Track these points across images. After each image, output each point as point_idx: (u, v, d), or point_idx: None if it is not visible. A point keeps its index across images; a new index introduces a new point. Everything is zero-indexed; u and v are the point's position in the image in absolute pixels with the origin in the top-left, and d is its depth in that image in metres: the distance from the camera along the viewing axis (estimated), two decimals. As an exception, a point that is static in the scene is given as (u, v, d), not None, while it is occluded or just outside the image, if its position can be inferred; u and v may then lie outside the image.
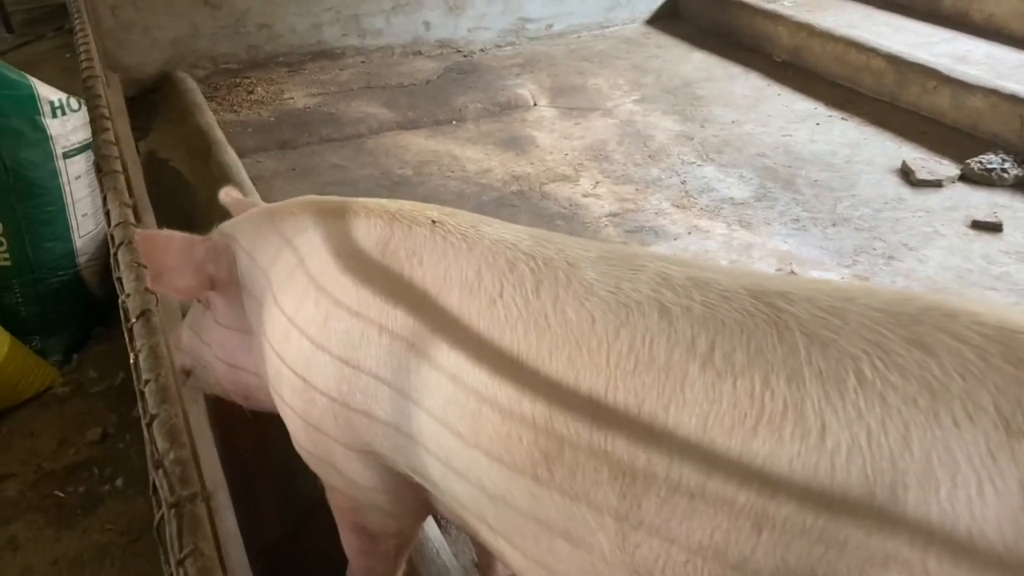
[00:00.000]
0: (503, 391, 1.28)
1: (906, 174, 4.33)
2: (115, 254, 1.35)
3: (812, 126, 4.99)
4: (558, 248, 1.40)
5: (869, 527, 1.05)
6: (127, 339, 1.18)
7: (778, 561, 1.10)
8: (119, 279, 1.30)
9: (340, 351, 1.50)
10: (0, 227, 2.96)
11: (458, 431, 1.34)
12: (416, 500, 1.62)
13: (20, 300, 3.08)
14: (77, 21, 2.56)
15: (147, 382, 1.07)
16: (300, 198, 1.79)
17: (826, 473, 1.06)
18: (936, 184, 4.21)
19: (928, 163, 4.37)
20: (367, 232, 1.55)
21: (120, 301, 1.26)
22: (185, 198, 4.29)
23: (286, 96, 5.54)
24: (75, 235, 3.13)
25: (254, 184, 4.21)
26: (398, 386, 1.43)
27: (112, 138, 1.77)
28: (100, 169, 1.62)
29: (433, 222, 1.52)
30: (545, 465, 1.24)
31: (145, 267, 1.43)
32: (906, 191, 4.22)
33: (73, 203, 3.09)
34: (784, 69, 5.86)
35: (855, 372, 1.08)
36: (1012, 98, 4.48)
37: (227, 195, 2.03)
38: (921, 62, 5.01)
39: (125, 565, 2.35)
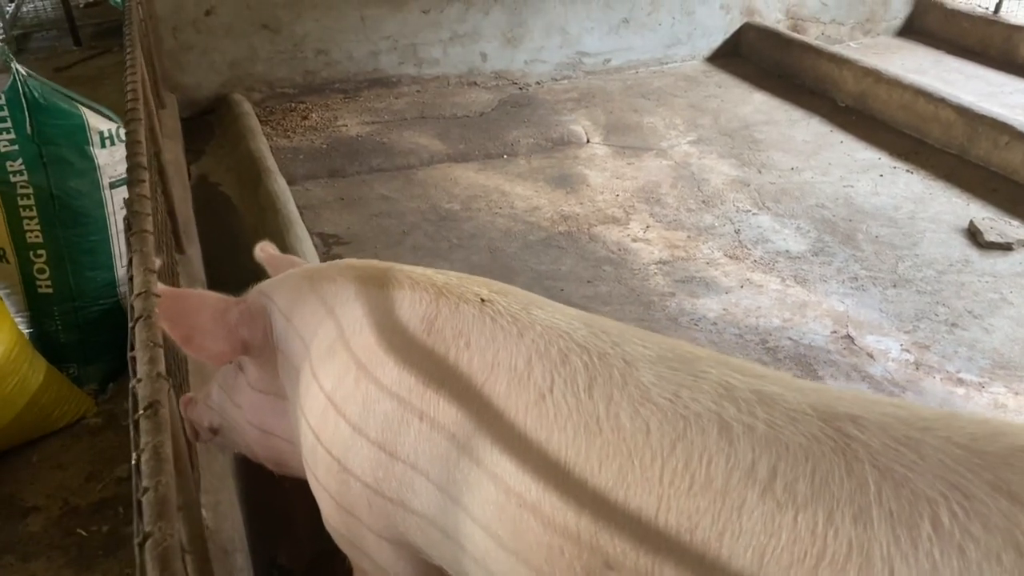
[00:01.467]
0: (548, 498, 1.20)
1: (973, 234, 4.13)
2: (132, 327, 1.29)
3: (875, 177, 4.81)
4: (614, 342, 1.32)
5: None
6: (131, 432, 1.11)
7: None
8: (132, 358, 1.23)
9: (378, 435, 1.43)
10: (44, 255, 2.96)
11: (497, 534, 1.26)
12: None
13: (60, 327, 3.07)
14: (128, 55, 2.55)
15: (146, 491, 0.99)
16: (340, 262, 1.74)
17: None
18: (1006, 247, 4.01)
19: (997, 224, 4.17)
20: (412, 307, 1.48)
21: (131, 386, 1.20)
22: (233, 224, 4.30)
23: (339, 123, 5.54)
24: (117, 264, 3.12)
25: (301, 213, 4.19)
26: (436, 478, 1.36)
27: (147, 191, 1.72)
28: (129, 227, 1.57)
29: (482, 300, 1.46)
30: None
31: (165, 337, 1.37)
32: (973, 253, 4.03)
33: (117, 233, 3.08)
34: (848, 115, 5.69)
35: (931, 518, 0.98)
36: (1092, 159, 4.27)
37: (263, 251, 1.98)
38: (993, 115, 4.80)
39: None
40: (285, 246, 3.70)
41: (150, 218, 1.64)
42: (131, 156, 1.88)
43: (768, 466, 1.07)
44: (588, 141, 5.40)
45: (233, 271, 3.98)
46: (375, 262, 1.70)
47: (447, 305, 1.46)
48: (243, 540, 2.14)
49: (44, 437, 2.91)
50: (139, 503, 0.99)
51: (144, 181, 1.77)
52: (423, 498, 1.39)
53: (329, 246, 4.12)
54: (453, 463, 1.33)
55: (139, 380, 1.19)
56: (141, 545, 0.93)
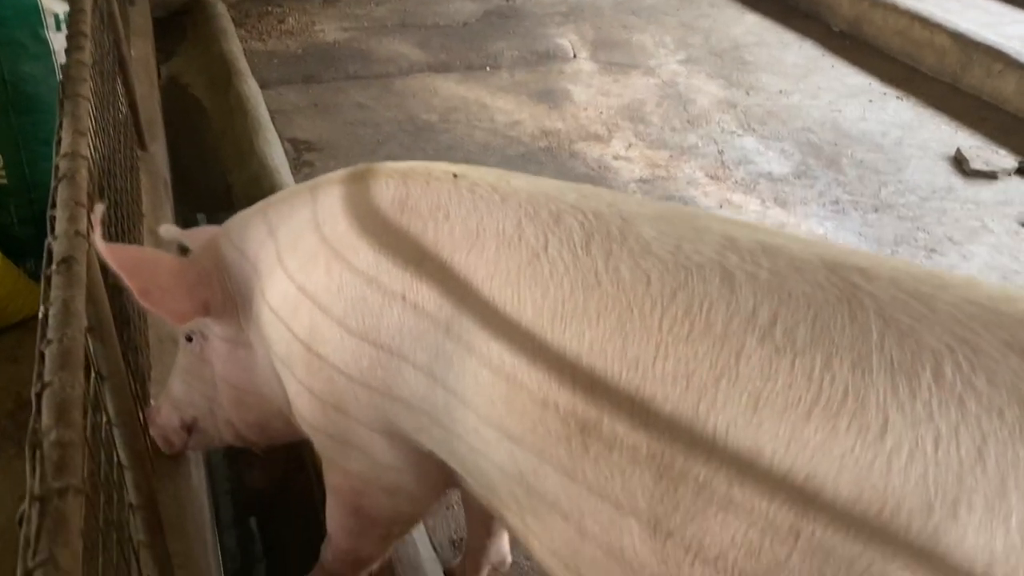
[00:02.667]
0: (542, 354, 1.16)
1: (959, 162, 4.06)
2: (55, 188, 1.20)
3: (864, 103, 4.71)
4: (608, 202, 1.27)
5: (922, 545, 0.92)
6: (42, 288, 1.04)
7: (815, 571, 0.99)
8: (52, 217, 1.15)
9: (358, 325, 1.36)
10: (-3, 143, 2.83)
11: (491, 399, 1.22)
12: (440, 480, 1.52)
13: (15, 220, 2.96)
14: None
15: (49, 342, 0.93)
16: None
17: (880, 475, 0.94)
18: (990, 175, 3.94)
19: (984, 152, 4.09)
20: (379, 192, 1.41)
21: (47, 243, 1.12)
22: (201, 126, 4.16)
23: (317, 28, 5.35)
24: (75, 157, 3.00)
25: (273, 118, 4.07)
26: (423, 361, 1.31)
27: (87, 59, 1.61)
28: (64, 91, 1.47)
29: (455, 176, 1.39)
30: (581, 439, 1.13)
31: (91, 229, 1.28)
32: (957, 181, 3.96)
33: (75, 123, 2.96)
34: (841, 40, 5.54)
35: (933, 369, 0.96)
36: (1084, 89, 4.18)
37: (167, 232, 1.85)
38: (989, 43, 4.68)
39: (92, 507, 2.26)
40: (253, 149, 3.59)
41: (87, 84, 1.54)
42: (73, 24, 1.77)
43: (769, 312, 1.05)
44: (574, 56, 5.25)
45: (200, 173, 3.88)
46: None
47: (417, 184, 1.39)
48: (199, 460, 2.08)
49: (-1, 331, 2.84)
50: (41, 355, 0.93)
51: (83, 48, 1.66)
52: (411, 384, 1.33)
53: (300, 152, 4.00)
54: (440, 341, 1.28)
55: (55, 237, 1.12)
56: (39, 395, 0.87)
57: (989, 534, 0.89)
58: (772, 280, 1.07)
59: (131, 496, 1.36)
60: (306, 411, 1.51)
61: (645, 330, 1.10)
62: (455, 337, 1.26)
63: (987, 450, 0.91)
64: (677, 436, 1.05)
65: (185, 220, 3.30)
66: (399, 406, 1.37)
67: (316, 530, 1.82)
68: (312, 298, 1.42)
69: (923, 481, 0.93)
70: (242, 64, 4.37)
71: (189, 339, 1.67)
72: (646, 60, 5.22)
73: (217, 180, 3.67)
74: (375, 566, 1.77)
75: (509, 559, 2.01)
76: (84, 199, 1.20)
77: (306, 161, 3.92)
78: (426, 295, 1.29)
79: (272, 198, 1.65)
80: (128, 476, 1.34)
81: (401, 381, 1.34)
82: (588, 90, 4.83)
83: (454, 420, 1.30)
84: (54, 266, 1.05)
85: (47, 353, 0.92)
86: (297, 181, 3.39)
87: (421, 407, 1.34)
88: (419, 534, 1.93)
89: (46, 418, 0.83)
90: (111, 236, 1.97)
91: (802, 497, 0.98)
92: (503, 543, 1.98)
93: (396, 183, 1.41)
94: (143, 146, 3.30)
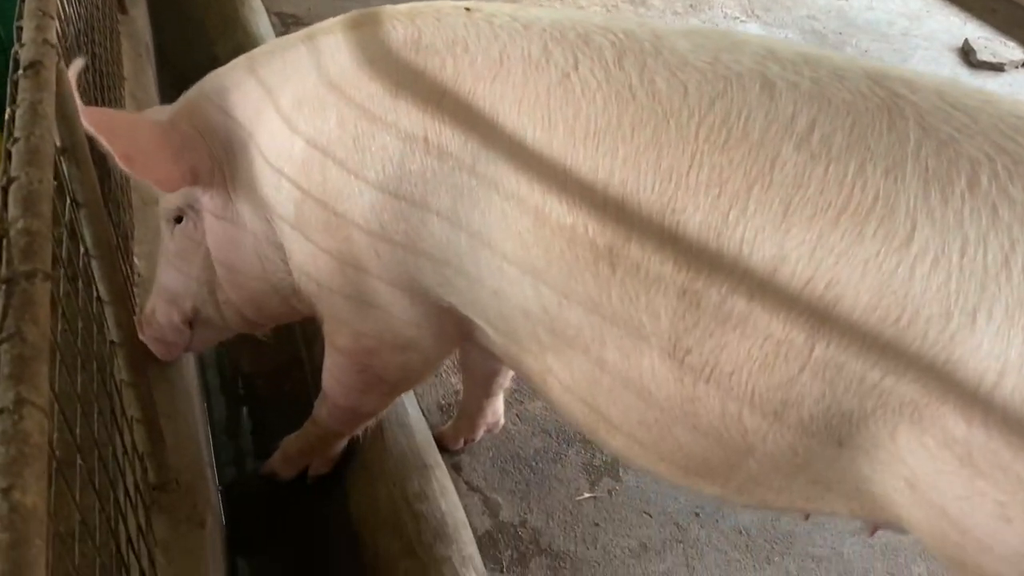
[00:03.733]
0: (573, 177, 1.14)
1: (966, 53, 3.95)
2: (22, 1, 1.13)
3: (872, -9, 4.56)
4: (639, 23, 1.23)
5: (936, 355, 0.94)
6: (9, 94, 0.98)
7: (825, 387, 1.01)
8: (19, 27, 1.08)
9: (377, 175, 1.31)
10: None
11: (518, 233, 1.20)
12: (455, 336, 1.50)
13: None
14: None
15: (16, 140, 0.88)
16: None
17: (902, 281, 0.95)
18: (998, 67, 3.85)
19: (992, 44, 3.98)
20: (388, 35, 1.34)
21: (13, 52, 1.06)
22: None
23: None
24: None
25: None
26: (446, 202, 1.27)
27: None
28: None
29: (467, 9, 1.33)
30: (608, 260, 1.12)
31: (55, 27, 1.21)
32: (963, 72, 3.87)
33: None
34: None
35: (969, 177, 0.96)
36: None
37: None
38: (1006, -70, 4.51)
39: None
40: (239, 18, 3.45)
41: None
42: None
43: (808, 119, 1.04)
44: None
45: (184, 45, 3.74)
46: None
47: (427, 22, 1.33)
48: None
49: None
50: (8, 154, 0.88)
51: None
52: (435, 234, 1.30)
53: (288, 26, 3.86)
54: (464, 181, 1.24)
55: (23, 44, 1.05)
56: (5, 189, 0.82)
57: (1006, 343, 0.90)
58: (813, 88, 1.06)
59: (112, 333, 1.34)
60: (322, 273, 1.46)
61: (681, 140, 1.08)
62: (480, 174, 1.23)
63: (1015, 258, 0.91)
64: (705, 248, 1.05)
65: (170, 95, 3.19)
66: (422, 260, 1.34)
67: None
68: (324, 151, 1.36)
69: (945, 288, 0.93)
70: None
71: (179, 220, 1.58)
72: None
73: (202, 52, 3.53)
74: (372, 422, 1.77)
75: (502, 421, 2.02)
76: (52, 12, 1.13)
77: (294, 35, 3.79)
78: (449, 133, 1.25)
79: (254, 54, 1.55)
80: (108, 311, 1.31)
81: (425, 233, 1.31)
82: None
83: (479, 264, 1.27)
84: (21, 71, 0.99)
85: (13, 151, 0.87)
86: (284, 53, 3.28)
87: (445, 257, 1.31)
88: (407, 397, 1.93)
89: (12, 209, 0.79)
90: (91, 100, 1.88)
91: (821, 306, 0.98)
92: (499, 405, 1.99)
93: (404, 24, 1.34)
94: (124, 10, 3.17)
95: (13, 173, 0.84)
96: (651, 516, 1.92)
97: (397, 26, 1.34)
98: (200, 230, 1.58)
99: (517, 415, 2.10)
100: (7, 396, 0.62)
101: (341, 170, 1.35)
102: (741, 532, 1.89)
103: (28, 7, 1.11)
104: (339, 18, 1.47)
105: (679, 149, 1.07)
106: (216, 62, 3.43)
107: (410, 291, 1.40)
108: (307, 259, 1.47)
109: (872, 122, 1.01)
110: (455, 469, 1.96)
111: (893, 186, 0.97)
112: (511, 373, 1.90)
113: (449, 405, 2.14)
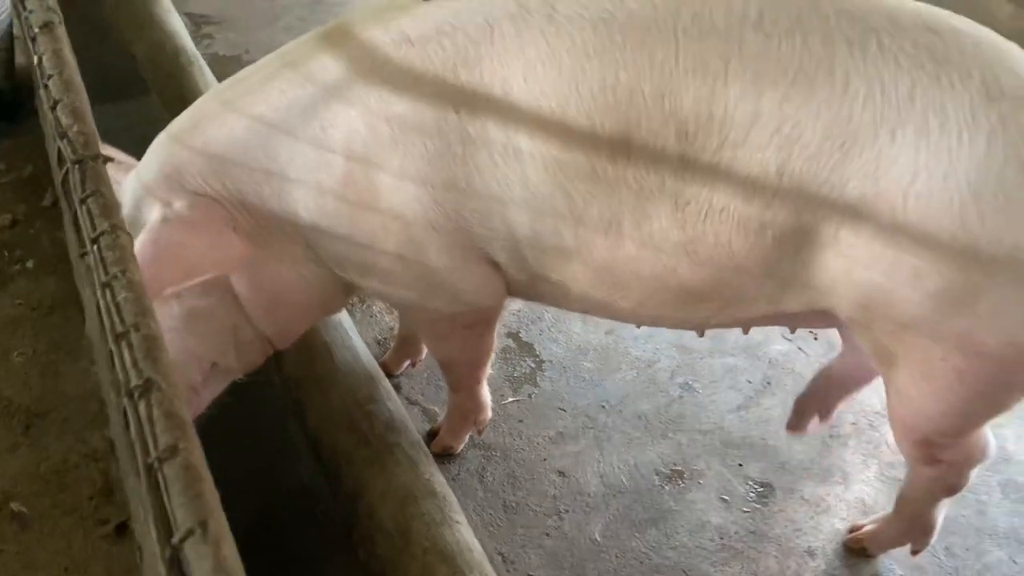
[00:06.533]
0: (587, 86, 1.42)
1: None
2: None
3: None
4: None
5: (868, 167, 1.33)
6: (30, 48, 1.24)
7: (790, 206, 1.39)
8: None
9: (422, 165, 1.49)
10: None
11: (552, 149, 1.45)
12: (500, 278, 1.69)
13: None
14: None
15: (50, 76, 1.14)
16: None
17: (844, 117, 1.33)
18: None
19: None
20: (377, 40, 1.50)
21: (23, 17, 1.31)
22: (93, 8, 4.14)
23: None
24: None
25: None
26: (485, 150, 1.47)
27: None
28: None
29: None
30: (625, 148, 1.43)
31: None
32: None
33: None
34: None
35: (877, 40, 1.35)
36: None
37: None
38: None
39: (37, 333, 2.44)
40: (152, 18, 3.64)
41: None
42: None
43: (757, 9, 1.39)
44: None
45: (100, 50, 3.90)
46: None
47: (401, 20, 1.49)
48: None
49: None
50: (46, 86, 1.14)
51: None
52: (480, 192, 1.51)
53: (199, 25, 4.06)
54: (499, 123, 1.45)
55: (31, 11, 1.31)
56: (54, 108, 1.09)
57: (915, 151, 1.31)
58: None
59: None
60: (389, 275, 1.64)
61: (665, 40, 1.39)
62: (508, 108, 1.46)
63: (916, 91, 1.32)
64: (698, 117, 1.38)
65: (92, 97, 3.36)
66: (472, 218, 1.54)
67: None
68: (366, 160, 1.51)
69: (873, 118, 1.33)
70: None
71: None
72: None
73: (118, 54, 3.70)
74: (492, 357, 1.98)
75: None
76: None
77: (205, 34, 4.00)
78: (477, 99, 1.46)
79: (230, 98, 1.61)
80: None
81: (471, 192, 1.51)
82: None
83: (517, 199, 1.50)
84: (37, 29, 1.25)
85: (51, 84, 1.14)
86: (200, 50, 3.49)
87: (488, 207, 1.52)
88: (350, 327, 2.21)
89: (65, 120, 1.06)
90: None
91: (788, 144, 1.36)
92: None
93: (382, 27, 1.50)
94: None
95: (56, 96, 1.10)
96: (565, 411, 2.26)
97: (376, 31, 1.51)
98: (218, 283, 1.62)
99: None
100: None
101: (386, 172, 1.52)
102: (640, 417, 2.25)
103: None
104: (309, 42, 1.61)
105: (666, 47, 1.39)
106: (134, 61, 3.63)
107: (466, 258, 1.61)
108: (368, 265, 1.64)
109: (802, 6, 1.38)
110: (396, 389, 2.26)
111: (829, 51, 1.35)
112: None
113: (385, 339, 2.44)
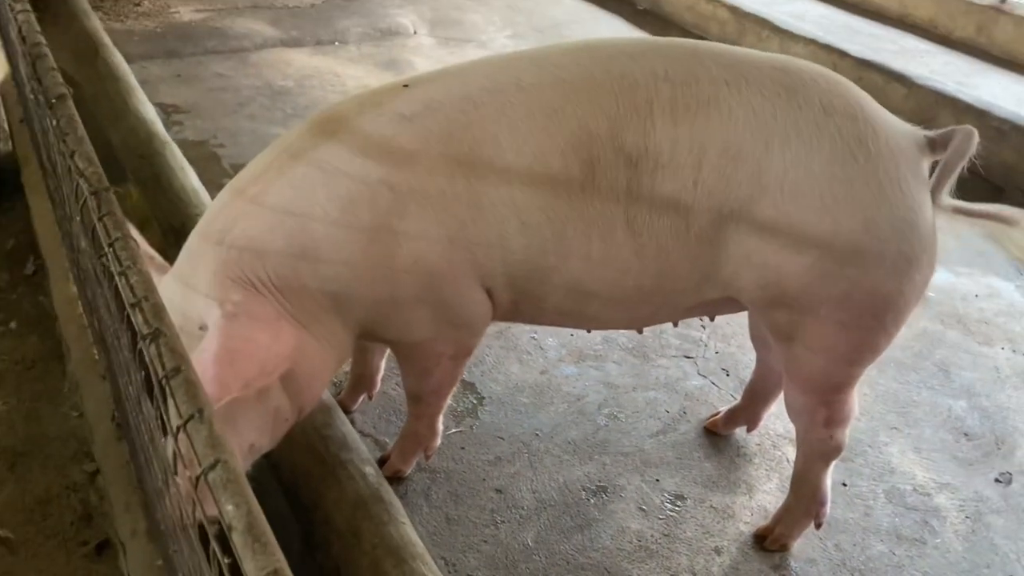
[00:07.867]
0: (555, 138, 1.76)
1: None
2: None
3: (662, 65, 5.55)
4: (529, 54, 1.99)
5: (752, 172, 1.72)
6: (34, 119, 1.54)
7: (710, 212, 1.75)
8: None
9: (443, 221, 1.77)
10: None
11: (539, 196, 1.77)
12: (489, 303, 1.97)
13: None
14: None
15: (67, 134, 1.45)
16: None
17: (733, 133, 1.73)
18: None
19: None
20: (372, 126, 1.77)
21: (35, 94, 1.61)
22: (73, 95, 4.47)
23: (172, 10, 5.72)
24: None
25: (142, 86, 4.44)
26: (493, 191, 1.78)
27: None
28: None
29: (405, 86, 1.86)
30: (592, 179, 1.76)
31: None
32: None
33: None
34: (645, 16, 6.44)
35: (745, 80, 1.76)
36: (827, 47, 5.16)
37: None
38: (756, 13, 5.66)
39: (20, 384, 2.68)
40: (128, 107, 3.98)
41: None
42: None
43: (663, 67, 1.79)
44: (415, 32, 5.86)
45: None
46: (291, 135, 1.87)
47: (392, 102, 1.79)
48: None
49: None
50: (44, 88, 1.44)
51: None
52: (485, 233, 1.79)
53: (169, 114, 4.41)
54: (496, 175, 1.77)
55: (46, 88, 1.61)
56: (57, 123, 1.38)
57: (782, 156, 1.71)
58: (655, 51, 1.86)
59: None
60: (410, 322, 1.90)
61: (600, 100, 1.77)
62: (503, 168, 1.76)
63: (777, 113, 1.73)
64: (638, 143, 1.75)
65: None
66: (479, 259, 1.82)
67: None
68: (390, 228, 1.74)
69: (752, 134, 1.72)
70: (106, 38, 4.71)
71: None
72: (478, 35, 5.90)
73: (97, 140, 4.02)
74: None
75: (380, 385, 2.59)
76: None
77: (175, 121, 4.35)
78: (478, 160, 1.77)
79: (251, 193, 1.75)
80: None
81: (477, 232, 1.79)
82: (429, 60, 5.44)
83: (514, 234, 1.80)
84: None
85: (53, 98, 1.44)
86: (171, 135, 3.82)
87: (490, 252, 1.81)
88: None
89: (72, 143, 1.36)
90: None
91: (697, 160, 1.73)
92: (381, 369, 2.56)
93: (377, 111, 1.78)
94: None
95: (73, 148, 1.40)
96: (503, 439, 2.52)
97: (371, 115, 1.78)
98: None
99: (397, 383, 2.67)
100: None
101: (405, 235, 1.76)
102: (570, 443, 2.52)
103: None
104: (309, 132, 1.81)
105: (608, 98, 1.75)
106: (110, 147, 3.95)
107: (475, 288, 1.88)
108: (392, 316, 1.88)
109: (691, 62, 1.78)
110: (350, 423, 2.51)
111: (715, 90, 1.74)
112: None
113: (340, 380, 2.70)
